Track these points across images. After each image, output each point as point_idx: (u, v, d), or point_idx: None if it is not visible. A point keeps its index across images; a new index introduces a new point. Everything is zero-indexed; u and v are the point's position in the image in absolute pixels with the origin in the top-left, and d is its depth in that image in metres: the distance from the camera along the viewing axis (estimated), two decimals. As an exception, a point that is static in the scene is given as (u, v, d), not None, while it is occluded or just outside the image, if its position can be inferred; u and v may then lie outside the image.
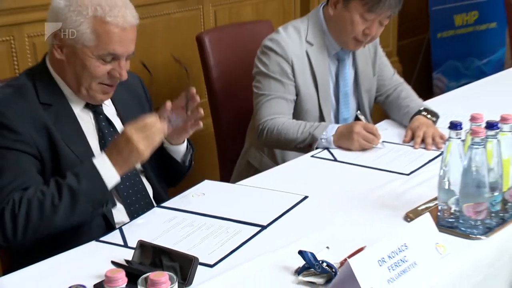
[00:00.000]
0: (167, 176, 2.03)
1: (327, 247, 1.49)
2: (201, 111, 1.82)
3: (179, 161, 1.98)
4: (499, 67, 4.61)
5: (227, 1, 3.47)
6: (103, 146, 1.84)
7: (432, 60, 4.86)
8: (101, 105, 1.88)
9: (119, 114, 1.92)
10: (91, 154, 1.79)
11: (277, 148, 2.36)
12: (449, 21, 4.83)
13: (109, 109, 1.91)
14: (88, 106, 1.85)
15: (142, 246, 1.47)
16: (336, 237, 1.57)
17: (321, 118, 2.35)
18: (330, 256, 1.43)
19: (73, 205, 1.62)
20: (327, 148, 2.15)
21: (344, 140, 2.13)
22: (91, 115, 1.86)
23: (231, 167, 2.56)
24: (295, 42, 2.32)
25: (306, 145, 2.20)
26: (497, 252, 1.56)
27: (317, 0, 3.90)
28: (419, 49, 5.08)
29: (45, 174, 1.73)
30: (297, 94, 2.33)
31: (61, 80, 1.81)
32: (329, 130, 2.17)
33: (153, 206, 1.86)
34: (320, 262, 1.38)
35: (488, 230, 1.58)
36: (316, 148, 2.17)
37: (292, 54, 2.30)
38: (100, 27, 1.71)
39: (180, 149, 1.96)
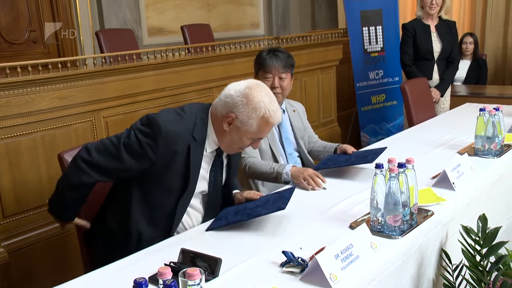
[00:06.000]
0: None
1: (301, 248, 1.47)
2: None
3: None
4: (400, 128, 4.67)
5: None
6: (211, 180, 1.76)
7: (359, 124, 4.89)
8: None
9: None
10: (176, 189, 1.68)
11: (254, 178, 2.28)
12: (368, 100, 4.88)
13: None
14: (217, 149, 1.77)
15: (183, 252, 1.43)
16: (306, 241, 1.55)
17: (272, 154, 2.33)
18: (303, 253, 1.41)
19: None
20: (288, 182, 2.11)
21: (295, 177, 2.07)
22: (214, 155, 1.76)
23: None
24: None
25: (273, 178, 2.16)
26: (408, 246, 1.55)
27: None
28: (350, 117, 5.13)
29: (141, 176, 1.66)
30: None
31: (212, 130, 1.72)
32: (287, 168, 2.13)
33: None
34: (297, 258, 1.37)
35: (402, 232, 1.57)
36: (285, 182, 2.12)
37: None
38: (263, 124, 1.68)
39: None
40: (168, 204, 1.71)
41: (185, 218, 1.77)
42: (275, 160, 2.34)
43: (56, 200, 1.73)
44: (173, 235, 1.73)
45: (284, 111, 2.44)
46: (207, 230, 1.68)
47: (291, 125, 2.47)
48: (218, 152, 1.78)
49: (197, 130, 1.69)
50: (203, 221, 1.82)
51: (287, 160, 2.40)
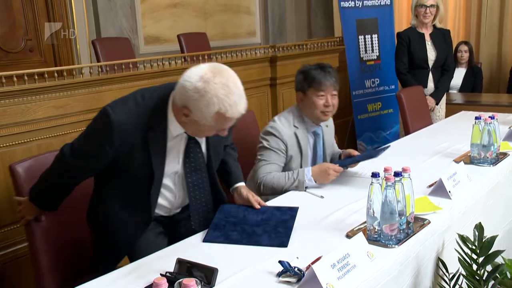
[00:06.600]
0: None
1: (297, 257, 1.47)
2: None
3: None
4: (396, 136, 4.67)
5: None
6: (187, 161, 1.70)
7: (356, 132, 4.90)
8: None
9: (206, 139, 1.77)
10: (143, 174, 1.64)
11: (272, 194, 2.19)
12: (365, 108, 4.89)
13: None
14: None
15: (179, 262, 1.43)
16: (302, 250, 1.55)
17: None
18: (299, 263, 1.41)
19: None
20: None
21: (322, 178, 2.12)
22: (185, 137, 1.67)
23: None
24: (286, 127, 2.27)
25: (294, 187, 2.14)
26: (404, 255, 1.55)
27: (281, 96, 3.95)
28: (347, 125, 5.14)
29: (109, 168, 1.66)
30: (289, 160, 2.27)
31: (173, 116, 1.60)
32: (307, 173, 2.13)
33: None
34: (293, 267, 1.37)
35: (399, 241, 1.57)
36: (306, 188, 2.12)
37: (286, 136, 2.25)
38: (219, 119, 1.54)
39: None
40: (138, 190, 1.69)
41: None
42: None
43: (39, 190, 1.75)
44: (152, 219, 1.74)
45: (320, 127, 2.39)
46: (203, 241, 1.67)
47: (323, 143, 2.43)
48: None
49: (155, 118, 1.59)
50: (191, 203, 1.80)
51: None
